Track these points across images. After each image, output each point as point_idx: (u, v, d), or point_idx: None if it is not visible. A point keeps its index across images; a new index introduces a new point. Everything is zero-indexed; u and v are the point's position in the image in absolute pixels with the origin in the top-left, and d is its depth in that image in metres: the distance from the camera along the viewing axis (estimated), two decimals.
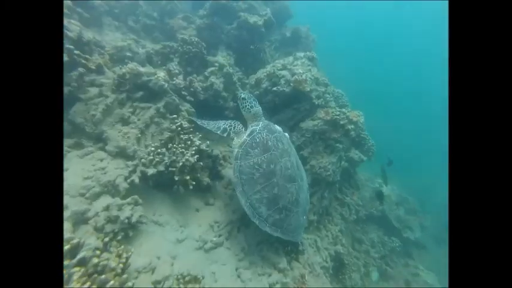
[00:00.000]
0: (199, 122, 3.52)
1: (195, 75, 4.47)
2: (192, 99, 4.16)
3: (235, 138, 3.26)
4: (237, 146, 3.10)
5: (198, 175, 3.44)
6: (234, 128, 3.33)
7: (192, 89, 4.18)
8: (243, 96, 3.34)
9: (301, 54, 4.68)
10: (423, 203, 8.96)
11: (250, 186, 2.87)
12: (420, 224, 7.76)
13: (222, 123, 3.38)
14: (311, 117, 4.60)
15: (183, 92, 4.07)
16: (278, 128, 3.39)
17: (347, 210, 5.67)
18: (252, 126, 3.25)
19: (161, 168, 3.10)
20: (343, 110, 4.47)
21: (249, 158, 2.97)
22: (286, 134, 3.49)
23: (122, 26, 5.25)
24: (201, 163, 3.36)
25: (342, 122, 4.29)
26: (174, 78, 4.08)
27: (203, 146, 3.56)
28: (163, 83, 3.71)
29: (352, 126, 4.32)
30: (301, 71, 4.35)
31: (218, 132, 3.34)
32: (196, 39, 4.52)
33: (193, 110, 4.11)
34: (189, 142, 3.37)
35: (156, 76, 3.76)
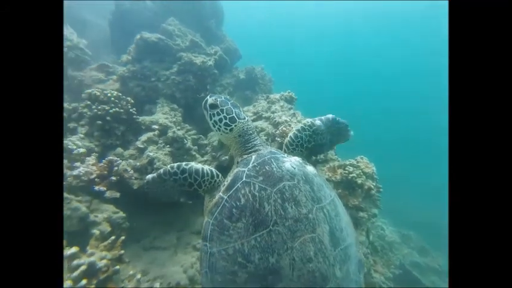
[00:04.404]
0: None
1: (120, 151, 2.67)
2: (118, 194, 2.31)
3: (206, 196, 1.55)
4: (207, 211, 1.43)
5: None
6: (205, 181, 1.55)
7: (114, 177, 2.34)
8: (211, 101, 1.56)
9: (277, 95, 3.39)
10: (420, 232, 8.02)
11: None
12: (439, 265, 6.63)
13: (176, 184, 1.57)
14: None
15: (97, 187, 2.21)
16: (288, 165, 1.39)
17: None
18: (237, 165, 1.51)
19: None
20: (352, 161, 3.17)
21: (227, 240, 1.25)
22: (311, 169, 1.49)
23: None
24: None
25: (359, 181, 2.93)
26: (78, 165, 2.22)
27: None
28: None
29: (373, 183, 3.01)
30: (286, 118, 2.99)
31: None
32: (115, 93, 2.84)
33: (120, 214, 2.23)
34: None
35: None
